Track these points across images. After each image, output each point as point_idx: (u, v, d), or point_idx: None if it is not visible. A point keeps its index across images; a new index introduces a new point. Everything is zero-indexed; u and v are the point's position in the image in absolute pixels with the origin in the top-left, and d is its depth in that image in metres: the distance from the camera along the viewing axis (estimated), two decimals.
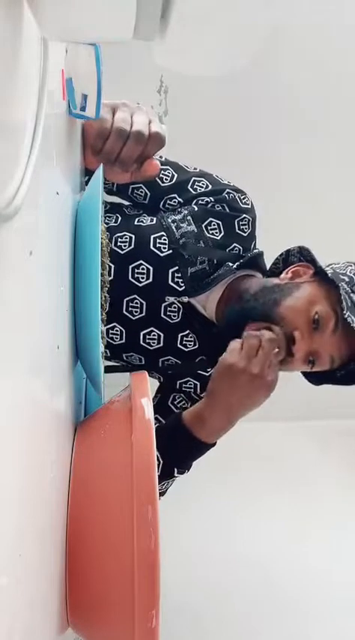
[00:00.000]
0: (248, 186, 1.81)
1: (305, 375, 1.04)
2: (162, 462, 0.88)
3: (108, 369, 1.02)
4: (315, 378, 1.03)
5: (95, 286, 0.57)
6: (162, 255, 0.97)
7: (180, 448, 0.88)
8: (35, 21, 0.29)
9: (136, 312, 0.97)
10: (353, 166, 1.88)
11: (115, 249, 0.97)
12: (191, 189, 1.02)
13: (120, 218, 1.02)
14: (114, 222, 1.01)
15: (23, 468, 0.31)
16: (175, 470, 0.91)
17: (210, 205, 1.01)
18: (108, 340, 1.00)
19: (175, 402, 1.05)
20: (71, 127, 0.64)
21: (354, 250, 1.92)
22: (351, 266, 0.95)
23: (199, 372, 1.04)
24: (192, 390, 1.05)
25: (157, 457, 0.85)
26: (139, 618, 0.47)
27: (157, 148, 0.74)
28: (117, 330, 0.99)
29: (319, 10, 1.67)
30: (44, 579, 0.39)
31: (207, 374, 1.03)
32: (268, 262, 1.08)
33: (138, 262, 0.97)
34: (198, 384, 1.04)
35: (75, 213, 0.63)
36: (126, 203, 1.06)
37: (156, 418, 1.01)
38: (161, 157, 1.04)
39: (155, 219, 1.01)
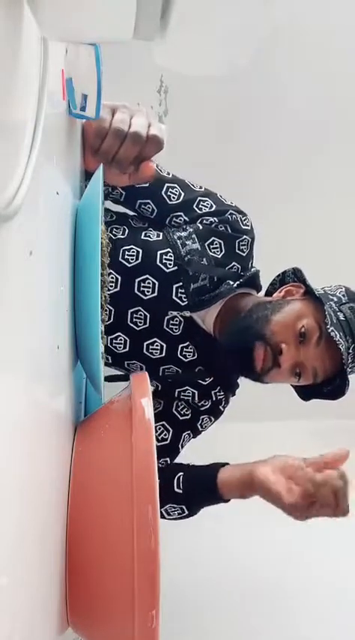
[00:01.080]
0: (247, 186, 1.81)
1: (296, 390, 1.11)
2: (187, 512, 0.98)
3: (109, 378, 1.07)
4: (304, 393, 1.10)
5: (95, 286, 0.57)
6: (167, 270, 1.01)
7: (208, 503, 0.97)
8: (35, 21, 0.29)
9: (140, 323, 1.01)
10: (352, 166, 1.88)
11: (122, 261, 1.00)
12: (196, 209, 1.06)
13: (127, 230, 1.04)
14: (122, 235, 1.04)
15: (23, 468, 0.31)
16: (195, 515, 1.00)
17: (214, 225, 1.05)
18: (112, 349, 1.03)
19: (179, 410, 1.09)
20: (71, 127, 0.64)
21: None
22: (341, 289, 1.03)
23: (197, 380, 1.08)
24: (191, 398, 1.09)
25: (183, 510, 0.96)
26: (139, 618, 0.47)
27: (155, 150, 0.74)
28: (121, 340, 1.02)
29: (319, 10, 1.67)
30: (44, 579, 0.39)
31: (204, 383, 1.08)
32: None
33: (144, 276, 1.00)
34: (196, 392, 1.08)
35: (75, 214, 0.63)
36: (131, 213, 1.09)
37: (162, 425, 1.06)
38: (169, 173, 1.07)
39: (161, 234, 1.04)
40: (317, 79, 1.76)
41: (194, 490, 0.95)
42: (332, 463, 0.84)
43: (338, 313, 0.96)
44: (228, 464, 0.95)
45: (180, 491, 0.95)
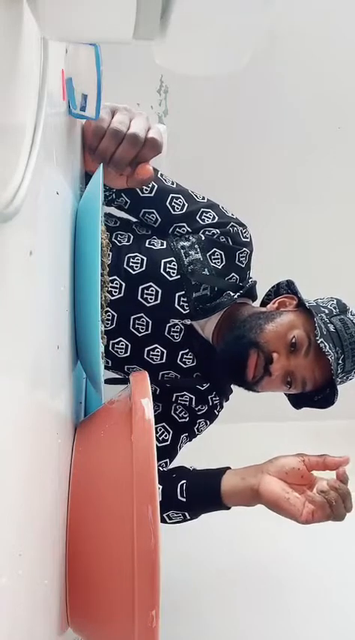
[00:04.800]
0: (247, 186, 1.81)
1: (288, 398, 1.14)
2: (189, 518, 0.98)
3: (108, 381, 1.08)
4: (296, 401, 1.13)
5: (95, 286, 0.57)
6: (170, 279, 1.03)
7: (210, 511, 0.97)
8: (35, 21, 0.29)
9: (142, 329, 1.03)
10: (353, 165, 1.88)
11: (127, 268, 1.02)
12: (199, 220, 1.08)
13: (132, 237, 1.07)
14: (127, 242, 1.06)
15: (23, 467, 0.31)
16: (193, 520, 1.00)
17: (215, 237, 1.08)
18: (113, 353, 1.05)
19: (177, 413, 1.11)
20: (71, 127, 0.64)
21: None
22: (333, 301, 1.06)
23: (195, 386, 1.10)
24: (188, 402, 1.11)
25: (185, 516, 0.96)
26: (139, 618, 0.47)
27: (153, 153, 0.74)
28: (122, 345, 1.04)
29: (319, 10, 1.67)
30: (44, 579, 0.39)
31: (202, 388, 1.11)
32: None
33: (148, 284, 1.02)
34: (194, 397, 1.11)
35: (75, 213, 0.63)
36: (134, 220, 1.10)
37: (163, 426, 1.08)
38: (173, 182, 1.08)
39: (165, 243, 1.06)
40: (317, 79, 1.76)
41: (197, 500, 0.95)
42: (332, 466, 0.86)
43: (329, 325, 0.99)
44: (229, 468, 0.95)
45: (184, 500, 0.95)
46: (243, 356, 0.99)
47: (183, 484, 0.96)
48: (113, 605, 0.49)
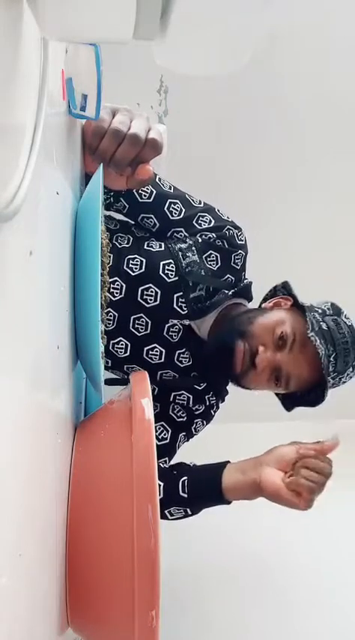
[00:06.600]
0: (246, 186, 1.81)
1: (281, 401, 1.16)
2: (191, 513, 0.98)
3: (109, 381, 1.09)
4: (287, 403, 1.15)
5: (95, 286, 0.57)
6: (169, 280, 1.05)
7: (212, 505, 0.98)
8: (35, 21, 0.29)
9: (142, 329, 1.05)
10: (352, 165, 1.88)
11: (127, 270, 1.04)
12: (196, 224, 1.10)
13: (131, 239, 1.08)
14: (127, 244, 1.07)
15: (24, 467, 0.31)
16: (194, 516, 1.01)
17: (212, 240, 1.10)
18: (113, 353, 1.06)
19: (175, 412, 1.12)
20: (71, 127, 0.64)
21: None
22: (327, 303, 1.08)
23: (193, 385, 1.12)
24: (186, 402, 1.12)
25: (187, 512, 0.97)
26: (139, 618, 0.47)
27: (153, 154, 0.74)
28: (122, 345, 1.06)
29: (318, 10, 1.67)
30: (44, 579, 0.39)
31: (199, 388, 1.12)
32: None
33: (147, 285, 1.04)
34: (191, 397, 1.12)
35: (75, 213, 0.63)
36: (132, 222, 1.11)
37: (161, 425, 1.10)
38: (170, 187, 1.10)
39: (163, 245, 1.08)
40: (317, 79, 1.76)
41: (199, 495, 0.96)
42: (328, 452, 0.90)
43: (321, 323, 1.01)
44: (229, 462, 0.96)
45: (185, 496, 0.96)
46: (230, 346, 1.01)
47: (184, 480, 0.97)
48: (113, 605, 0.49)
